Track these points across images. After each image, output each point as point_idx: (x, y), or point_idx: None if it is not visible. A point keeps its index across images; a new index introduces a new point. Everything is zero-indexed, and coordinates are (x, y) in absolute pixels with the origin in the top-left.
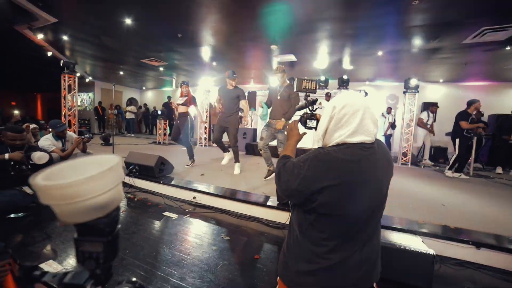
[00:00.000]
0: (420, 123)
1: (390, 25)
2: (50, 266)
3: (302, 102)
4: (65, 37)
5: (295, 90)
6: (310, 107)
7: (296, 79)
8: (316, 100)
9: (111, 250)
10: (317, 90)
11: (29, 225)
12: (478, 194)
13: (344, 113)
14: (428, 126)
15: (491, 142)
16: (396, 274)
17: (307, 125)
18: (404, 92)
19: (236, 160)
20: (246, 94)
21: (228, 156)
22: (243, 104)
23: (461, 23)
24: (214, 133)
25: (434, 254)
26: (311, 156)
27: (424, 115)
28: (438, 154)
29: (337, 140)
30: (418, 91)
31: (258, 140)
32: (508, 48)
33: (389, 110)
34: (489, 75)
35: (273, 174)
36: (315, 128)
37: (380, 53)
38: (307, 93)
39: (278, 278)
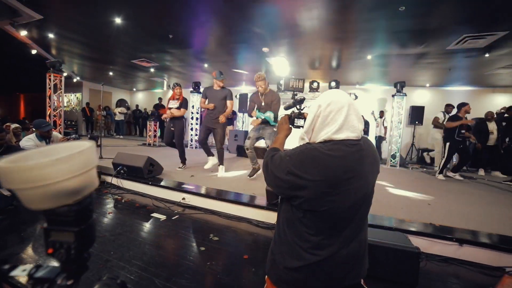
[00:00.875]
0: (436, 122)
1: (378, 30)
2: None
3: (290, 101)
4: (51, 35)
5: (282, 89)
6: (298, 106)
7: (283, 78)
8: (304, 99)
9: (84, 241)
10: (309, 94)
11: (6, 228)
12: (462, 194)
13: (330, 110)
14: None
15: (474, 145)
16: (383, 271)
17: (295, 124)
18: (393, 96)
19: (221, 162)
20: (238, 96)
21: (212, 160)
22: (229, 104)
23: (444, 29)
24: (199, 134)
25: (420, 251)
26: (298, 150)
27: (440, 115)
28: (426, 156)
29: (323, 137)
30: (406, 95)
31: (246, 139)
32: (487, 55)
33: (381, 114)
34: (471, 80)
35: (258, 172)
36: (303, 127)
37: (369, 57)
38: (295, 92)
39: (266, 276)
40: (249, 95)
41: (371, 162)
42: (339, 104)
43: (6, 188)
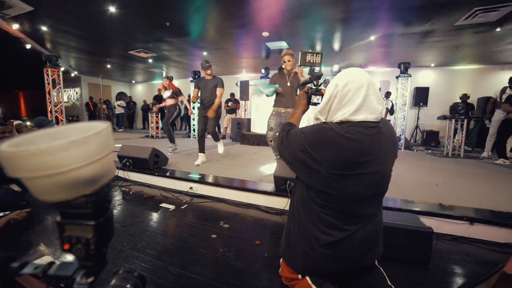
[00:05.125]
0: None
1: (382, 8)
2: (45, 262)
3: (306, 77)
4: (44, 28)
5: (299, 64)
6: (315, 82)
7: (300, 52)
8: (321, 74)
9: (103, 235)
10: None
11: (20, 223)
12: (469, 174)
13: (348, 90)
14: None
15: (480, 125)
16: (396, 252)
17: (311, 101)
18: (397, 77)
19: (217, 140)
20: (239, 83)
21: (201, 157)
22: (218, 92)
23: (453, 3)
24: (198, 126)
25: (433, 231)
26: (313, 129)
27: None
28: (430, 138)
29: (340, 118)
30: (410, 76)
31: (267, 130)
32: (498, 29)
33: (387, 95)
34: (478, 58)
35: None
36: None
37: (372, 37)
38: (312, 67)
39: (281, 260)
40: (250, 82)
41: (389, 146)
42: (357, 84)
43: (11, 176)
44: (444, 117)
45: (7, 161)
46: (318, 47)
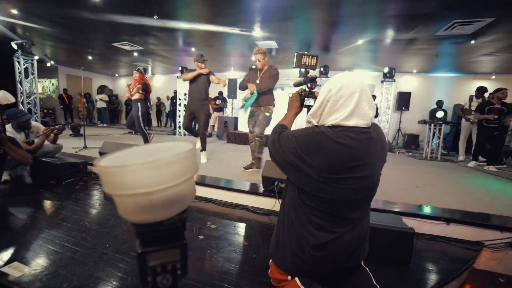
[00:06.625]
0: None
1: (371, 14)
2: (15, 269)
3: (300, 78)
4: (14, 11)
5: (294, 66)
6: (309, 85)
7: (296, 53)
8: (316, 77)
9: (186, 256)
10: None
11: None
12: (445, 176)
13: (341, 95)
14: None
15: (455, 130)
16: (379, 252)
17: (304, 104)
18: (382, 82)
19: (203, 148)
20: (227, 81)
21: (199, 142)
22: (213, 78)
23: (435, 14)
24: (184, 120)
25: (414, 231)
26: (305, 133)
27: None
28: (410, 141)
29: (332, 122)
30: (394, 81)
31: (248, 132)
32: (472, 42)
33: (373, 98)
34: (455, 67)
35: (255, 169)
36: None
37: (360, 42)
38: (307, 70)
39: (270, 260)
40: (238, 81)
41: (378, 151)
42: (350, 89)
43: (108, 193)
44: (424, 122)
45: (111, 176)
46: (306, 48)
